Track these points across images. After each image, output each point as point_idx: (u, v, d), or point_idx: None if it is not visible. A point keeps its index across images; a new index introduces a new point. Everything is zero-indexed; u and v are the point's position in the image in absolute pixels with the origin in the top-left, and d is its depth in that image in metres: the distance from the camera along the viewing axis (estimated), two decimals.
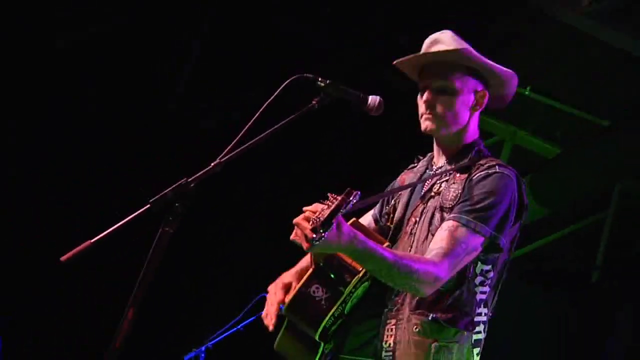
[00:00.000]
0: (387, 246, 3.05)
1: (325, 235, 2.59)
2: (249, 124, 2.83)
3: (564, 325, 7.71)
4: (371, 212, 3.50)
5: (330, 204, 2.66)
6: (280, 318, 3.17)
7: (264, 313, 3.24)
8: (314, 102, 2.98)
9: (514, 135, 8.28)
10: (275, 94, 2.92)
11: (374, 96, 3.06)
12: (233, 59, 7.71)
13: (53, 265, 2.75)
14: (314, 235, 2.59)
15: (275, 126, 2.87)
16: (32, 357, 6.67)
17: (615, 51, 6.65)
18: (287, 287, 3.25)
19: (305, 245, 2.69)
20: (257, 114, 2.87)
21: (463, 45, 3.15)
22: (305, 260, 3.31)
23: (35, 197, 7.50)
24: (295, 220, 2.75)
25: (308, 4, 7.28)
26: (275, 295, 3.24)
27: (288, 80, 2.95)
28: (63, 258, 2.56)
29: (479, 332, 3.04)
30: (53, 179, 7.45)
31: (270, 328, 3.15)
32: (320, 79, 3.01)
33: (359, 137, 8.14)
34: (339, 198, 2.65)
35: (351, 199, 2.65)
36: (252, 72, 7.52)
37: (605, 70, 7.08)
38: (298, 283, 3.13)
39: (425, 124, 3.16)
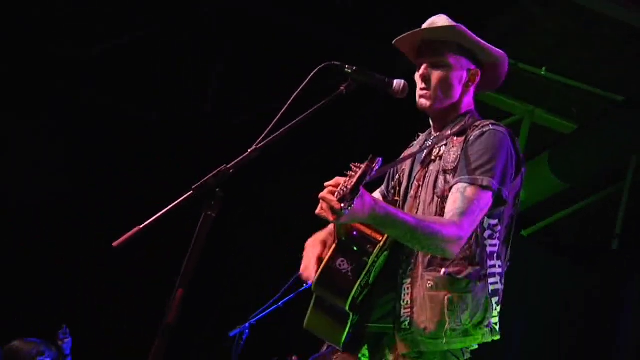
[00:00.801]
0: None
1: (354, 203, 2.62)
2: (282, 111, 2.91)
3: (583, 293, 7.80)
4: (379, 189, 3.62)
5: (353, 173, 2.67)
6: (307, 296, 3.27)
7: (302, 267, 3.32)
8: (341, 88, 3.09)
9: (531, 114, 8.40)
10: (305, 82, 3.00)
11: (398, 80, 3.20)
12: (257, 62, 7.96)
13: (105, 250, 2.88)
14: (342, 205, 2.60)
15: (306, 112, 2.95)
16: (88, 336, 6.87)
17: (626, 28, 6.74)
18: (324, 243, 3.36)
19: (332, 217, 2.71)
20: (288, 102, 2.94)
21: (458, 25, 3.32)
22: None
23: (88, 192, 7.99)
24: (320, 195, 2.76)
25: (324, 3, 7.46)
26: (313, 249, 3.34)
27: (317, 69, 3.03)
28: (115, 244, 2.66)
29: (495, 283, 3.15)
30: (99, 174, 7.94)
31: (310, 280, 3.21)
32: (347, 66, 3.12)
33: (378, 124, 8.28)
34: (363, 166, 2.68)
35: (374, 165, 2.68)
36: (274, 72, 7.73)
37: (617, 47, 7.15)
38: (332, 241, 3.22)
39: (420, 101, 3.33)
